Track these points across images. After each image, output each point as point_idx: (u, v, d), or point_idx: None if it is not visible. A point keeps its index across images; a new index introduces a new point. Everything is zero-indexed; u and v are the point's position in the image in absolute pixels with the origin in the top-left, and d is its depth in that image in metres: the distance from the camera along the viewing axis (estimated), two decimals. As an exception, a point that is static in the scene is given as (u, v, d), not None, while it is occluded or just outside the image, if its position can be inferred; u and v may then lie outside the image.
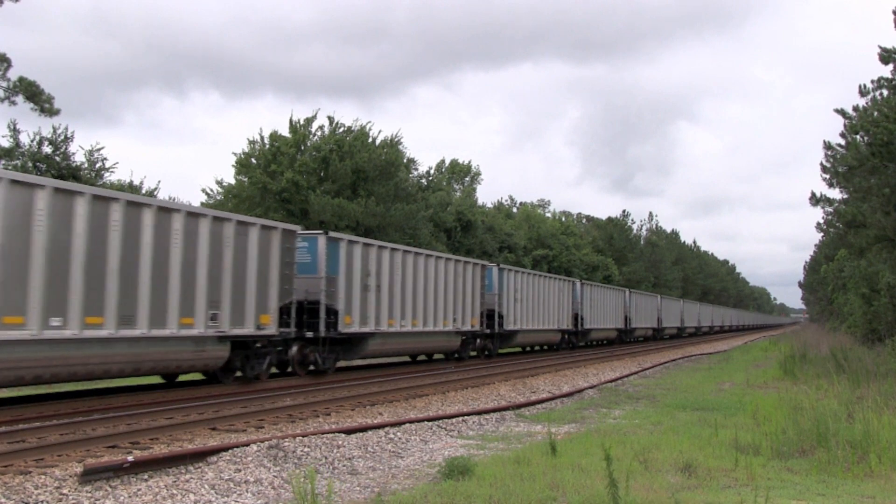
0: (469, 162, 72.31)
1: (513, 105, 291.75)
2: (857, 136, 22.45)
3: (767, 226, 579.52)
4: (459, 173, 71.32)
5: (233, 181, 39.03)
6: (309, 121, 38.88)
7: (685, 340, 63.90)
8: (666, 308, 62.34)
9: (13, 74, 25.91)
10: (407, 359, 28.69)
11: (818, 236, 58.09)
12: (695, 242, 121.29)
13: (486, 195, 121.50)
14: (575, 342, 41.57)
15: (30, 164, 29.02)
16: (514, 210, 73.57)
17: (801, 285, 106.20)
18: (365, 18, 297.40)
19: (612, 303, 47.59)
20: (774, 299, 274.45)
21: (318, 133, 39.13)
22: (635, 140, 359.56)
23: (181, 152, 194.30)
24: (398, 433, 11.55)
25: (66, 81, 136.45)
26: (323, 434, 10.58)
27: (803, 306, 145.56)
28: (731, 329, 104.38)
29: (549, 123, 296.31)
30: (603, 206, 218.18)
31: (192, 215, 16.00)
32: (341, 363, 22.54)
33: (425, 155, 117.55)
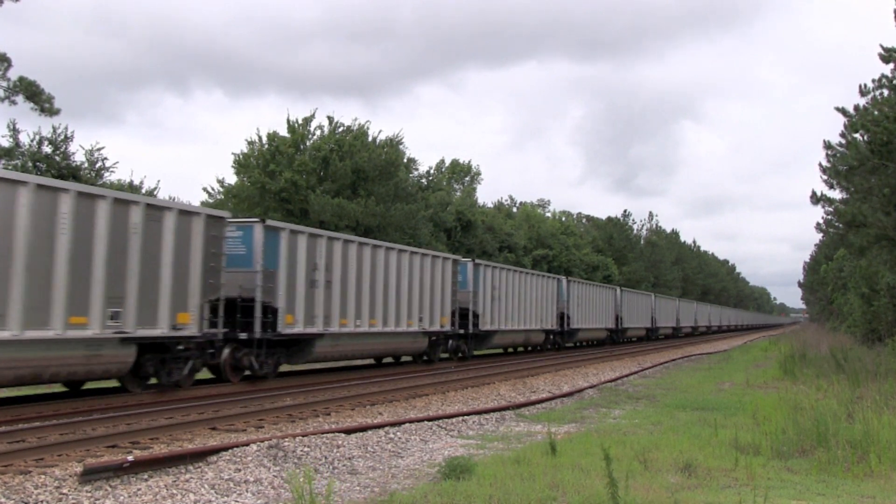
0: (469, 162, 72.48)
1: (516, 104, 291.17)
2: (857, 136, 22.42)
3: (769, 225, 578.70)
4: (459, 173, 71.36)
5: (234, 181, 39.04)
6: (307, 120, 38.86)
7: (684, 340, 63.86)
8: (661, 307, 61.09)
9: (13, 74, 25.93)
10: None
11: (818, 236, 58.06)
12: (694, 242, 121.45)
13: (489, 195, 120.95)
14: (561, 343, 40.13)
15: (30, 164, 29.01)
16: (514, 210, 73.55)
17: (800, 285, 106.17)
18: (370, 17, 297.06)
19: (601, 301, 45.54)
20: (774, 299, 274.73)
21: (318, 133, 39.13)
22: (638, 139, 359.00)
23: (184, 151, 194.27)
24: (398, 433, 11.55)
25: (69, 80, 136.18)
26: (323, 434, 10.58)
27: (803, 306, 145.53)
28: (731, 329, 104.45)
29: (552, 123, 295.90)
30: (605, 206, 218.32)
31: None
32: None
33: (428, 154, 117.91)
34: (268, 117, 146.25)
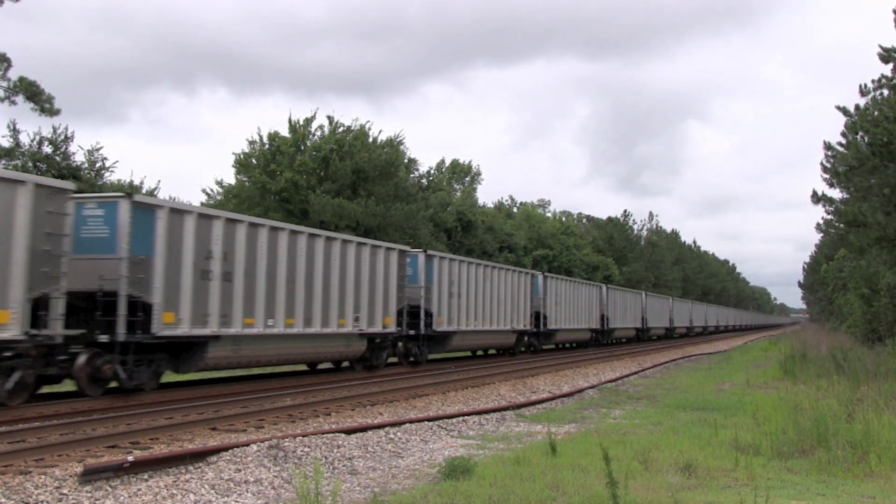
0: (469, 162, 72.56)
1: (523, 102, 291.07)
2: (858, 136, 22.42)
3: (774, 225, 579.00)
4: (460, 173, 71.39)
5: (234, 181, 39.05)
6: (308, 121, 38.90)
7: (684, 341, 63.71)
8: (652, 306, 58.04)
9: (14, 74, 25.96)
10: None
11: (819, 236, 58.02)
12: (695, 242, 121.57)
13: (492, 194, 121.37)
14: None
15: (30, 164, 29.03)
16: (515, 210, 73.55)
17: (801, 285, 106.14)
18: (377, 15, 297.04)
19: (584, 300, 42.90)
20: (775, 299, 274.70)
21: (318, 133, 39.15)
22: (644, 138, 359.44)
23: (187, 151, 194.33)
24: (398, 433, 11.55)
25: (75, 79, 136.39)
26: (323, 434, 10.58)
27: (804, 306, 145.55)
28: (730, 329, 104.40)
29: (557, 121, 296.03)
30: (609, 206, 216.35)
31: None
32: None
33: (433, 153, 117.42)
34: (272, 116, 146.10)
